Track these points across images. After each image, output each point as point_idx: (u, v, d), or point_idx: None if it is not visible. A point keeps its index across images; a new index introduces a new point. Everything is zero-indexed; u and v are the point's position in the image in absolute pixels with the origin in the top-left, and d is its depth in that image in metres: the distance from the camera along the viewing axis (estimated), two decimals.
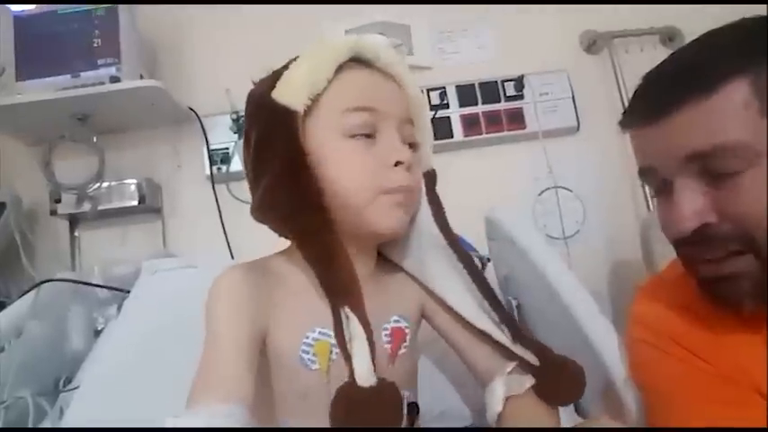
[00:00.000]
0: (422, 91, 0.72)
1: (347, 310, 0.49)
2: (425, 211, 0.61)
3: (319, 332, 0.55)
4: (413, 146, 0.59)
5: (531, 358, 0.56)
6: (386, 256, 0.64)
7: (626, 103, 1.43)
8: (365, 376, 0.45)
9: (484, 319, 0.58)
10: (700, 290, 0.58)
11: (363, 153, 0.55)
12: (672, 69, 0.57)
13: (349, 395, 0.45)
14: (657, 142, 0.55)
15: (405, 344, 0.59)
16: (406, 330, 0.59)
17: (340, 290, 0.50)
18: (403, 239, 0.61)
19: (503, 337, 0.57)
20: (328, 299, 0.50)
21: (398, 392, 0.46)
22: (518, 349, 0.56)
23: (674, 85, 0.54)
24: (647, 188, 1.43)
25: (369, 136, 0.55)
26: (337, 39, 0.59)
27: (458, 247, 0.60)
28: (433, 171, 0.63)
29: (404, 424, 0.58)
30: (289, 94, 0.54)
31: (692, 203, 0.53)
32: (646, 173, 0.59)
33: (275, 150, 0.54)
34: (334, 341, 0.54)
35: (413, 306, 0.62)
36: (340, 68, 0.56)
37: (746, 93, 0.49)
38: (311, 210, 0.52)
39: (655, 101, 0.55)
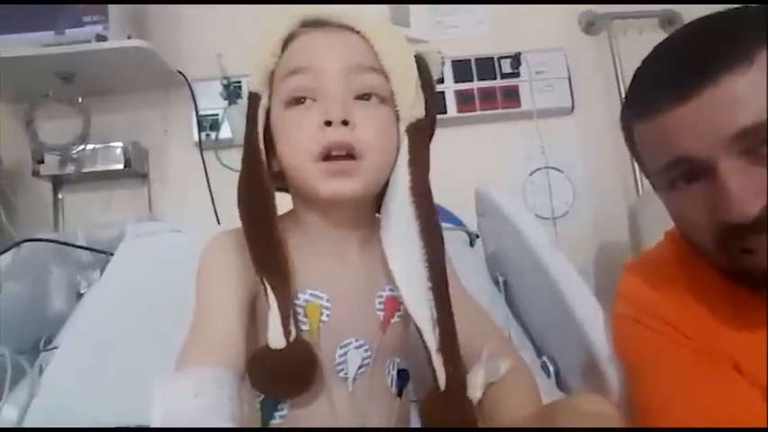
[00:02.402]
0: None
1: (264, 280, 0.51)
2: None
3: (310, 294, 0.55)
4: (370, 96, 0.53)
5: (441, 379, 0.52)
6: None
7: (622, 86, 1.45)
8: (274, 339, 0.50)
9: (424, 311, 0.53)
10: (735, 281, 0.55)
11: (299, 120, 0.52)
12: (694, 44, 0.53)
13: (257, 356, 0.51)
14: (694, 122, 0.50)
15: (398, 313, 0.58)
16: (401, 300, 0.58)
17: (260, 261, 0.52)
18: (385, 203, 0.56)
19: (431, 338, 0.53)
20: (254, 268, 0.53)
21: (310, 352, 0.51)
22: (437, 359, 0.53)
23: (704, 59, 0.50)
24: (637, 172, 1.43)
25: (305, 100, 0.52)
26: (285, 9, 0.56)
27: (425, 222, 0.53)
28: (419, 122, 0.55)
29: (393, 389, 0.59)
30: (251, 77, 0.55)
31: (750, 184, 0.48)
32: (676, 164, 0.52)
33: (245, 133, 0.56)
34: (324, 302, 0.55)
35: None
36: (292, 37, 0.55)
37: None
38: (249, 188, 0.54)
39: (683, 77, 0.50)
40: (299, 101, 0.53)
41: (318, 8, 0.55)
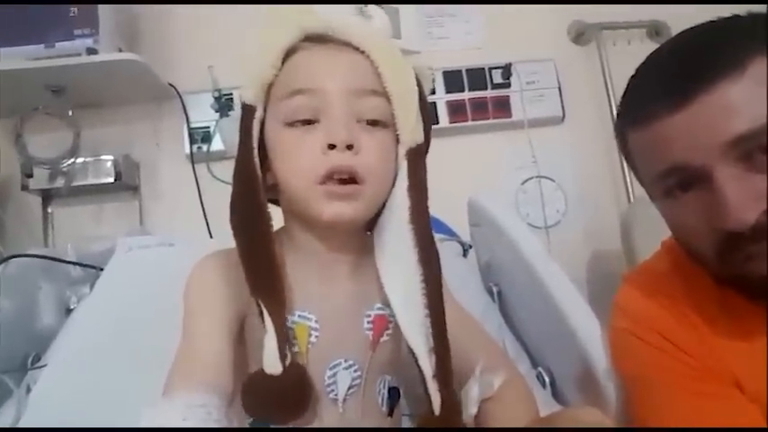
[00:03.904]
0: None
1: (260, 302, 0.50)
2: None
3: (299, 315, 0.54)
4: (374, 122, 0.53)
5: (436, 404, 0.52)
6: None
7: (612, 96, 1.46)
8: (271, 364, 0.49)
9: (420, 336, 0.52)
10: (734, 289, 0.55)
11: (301, 141, 0.51)
12: (688, 52, 0.53)
13: (253, 381, 0.50)
14: (689, 129, 0.50)
15: (387, 331, 0.57)
16: (390, 318, 0.57)
17: (256, 283, 0.51)
18: (380, 226, 0.56)
19: (426, 364, 0.52)
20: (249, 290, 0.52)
21: (306, 377, 0.51)
22: (432, 385, 0.52)
23: (698, 66, 0.50)
24: (628, 180, 1.44)
25: (310, 121, 0.51)
26: (285, 19, 0.54)
27: (423, 249, 0.52)
28: (419, 147, 0.55)
29: (384, 408, 0.58)
30: (245, 88, 0.54)
31: (747, 191, 0.48)
32: (672, 172, 0.52)
33: (238, 146, 0.54)
34: (313, 324, 0.54)
35: None
36: (294, 50, 0.53)
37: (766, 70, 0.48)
38: (243, 204, 0.53)
39: (677, 85, 0.50)
40: (300, 121, 0.51)
41: (321, 22, 0.54)
